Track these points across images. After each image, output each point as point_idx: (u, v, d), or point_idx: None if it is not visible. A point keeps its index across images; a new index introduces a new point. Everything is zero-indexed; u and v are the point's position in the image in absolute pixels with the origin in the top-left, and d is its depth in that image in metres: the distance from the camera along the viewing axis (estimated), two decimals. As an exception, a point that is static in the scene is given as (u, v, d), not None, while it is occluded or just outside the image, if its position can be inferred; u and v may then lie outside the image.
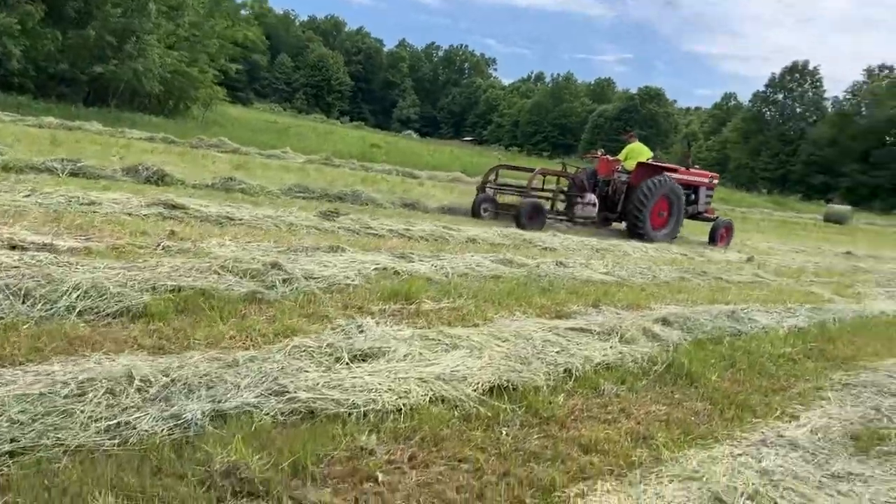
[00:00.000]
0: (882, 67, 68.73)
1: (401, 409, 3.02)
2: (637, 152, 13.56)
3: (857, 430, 3.68)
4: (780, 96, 73.63)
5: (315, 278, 5.00)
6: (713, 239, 14.04)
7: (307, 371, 3.20)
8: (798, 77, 72.64)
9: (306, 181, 12.08)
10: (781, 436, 3.42)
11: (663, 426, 3.40)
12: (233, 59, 35.29)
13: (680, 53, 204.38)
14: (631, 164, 13.35)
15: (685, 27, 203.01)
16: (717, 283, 8.83)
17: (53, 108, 20.74)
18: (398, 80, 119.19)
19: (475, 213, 12.20)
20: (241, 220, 7.34)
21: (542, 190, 13.00)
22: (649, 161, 13.42)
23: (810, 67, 72.12)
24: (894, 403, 4.26)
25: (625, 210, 12.96)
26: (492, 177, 12.92)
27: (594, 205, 12.50)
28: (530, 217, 11.42)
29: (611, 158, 13.79)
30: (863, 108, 66.55)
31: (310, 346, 3.50)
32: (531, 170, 13.50)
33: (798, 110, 72.73)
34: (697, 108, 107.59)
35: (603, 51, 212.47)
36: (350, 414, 2.91)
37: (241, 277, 4.65)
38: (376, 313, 4.56)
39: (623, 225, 13.37)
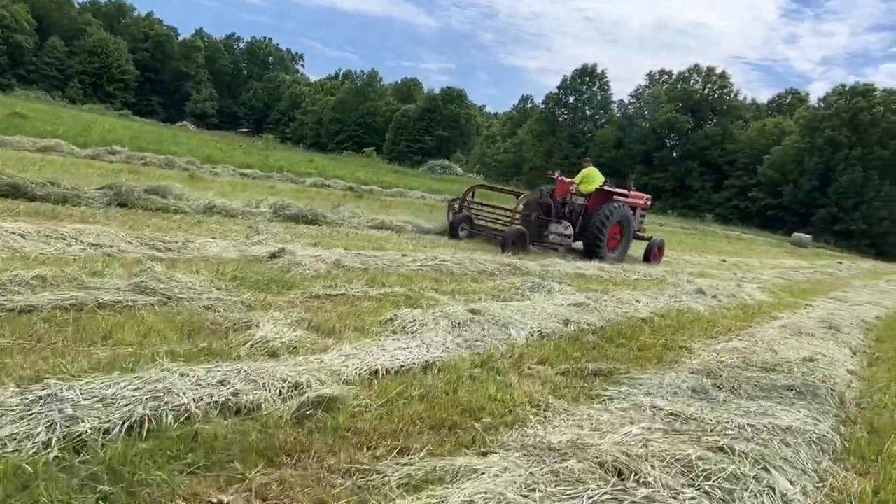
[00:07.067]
0: (662, 72, 70.49)
1: None
2: (592, 177, 13.83)
3: None
4: (572, 98, 73.43)
5: None
6: (648, 257, 14.82)
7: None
8: (588, 80, 72.80)
9: None
10: None
11: None
12: None
13: (500, 66, 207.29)
14: (586, 188, 13.72)
15: (505, 41, 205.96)
16: None
17: None
18: (192, 72, 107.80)
19: (453, 233, 12.67)
20: None
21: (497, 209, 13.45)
22: (602, 187, 13.85)
23: (598, 71, 72.58)
24: None
25: (583, 232, 13.34)
26: (468, 197, 13.46)
27: (569, 232, 12.88)
28: (514, 243, 11.67)
29: (566, 180, 13.80)
30: (645, 112, 67.57)
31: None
32: (509, 191, 15.33)
33: (588, 113, 72.86)
34: (506, 113, 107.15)
35: (428, 59, 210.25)
36: None
37: None
38: None
39: (578, 244, 13.54)
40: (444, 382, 3.97)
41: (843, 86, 60.56)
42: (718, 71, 68.69)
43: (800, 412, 4.50)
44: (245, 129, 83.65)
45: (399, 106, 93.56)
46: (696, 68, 69.41)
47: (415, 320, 5.28)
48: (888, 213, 55.42)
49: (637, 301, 8.34)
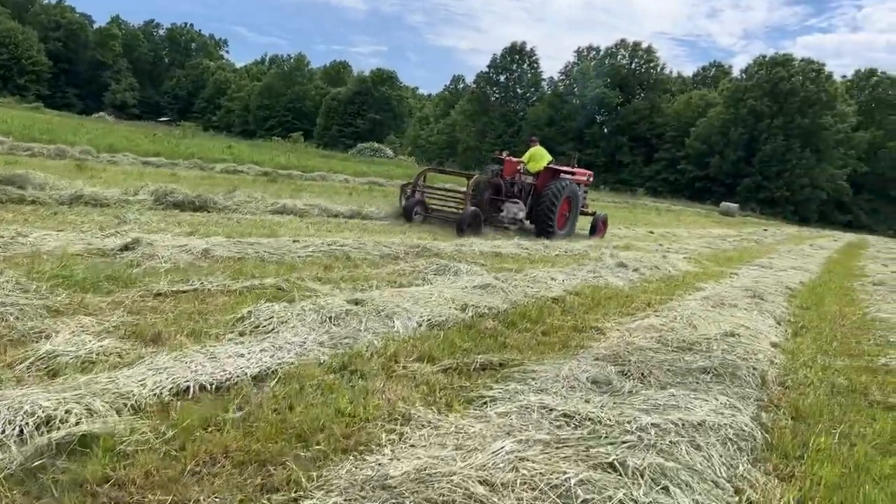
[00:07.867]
0: (590, 49, 70.67)
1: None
2: (539, 156, 13.98)
3: None
4: (503, 77, 72.94)
5: None
6: (593, 231, 15.04)
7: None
8: (518, 58, 72.40)
9: None
10: None
11: None
12: None
13: (430, 46, 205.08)
14: (534, 167, 13.87)
15: (435, 22, 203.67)
16: None
17: None
18: (110, 61, 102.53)
19: (407, 216, 12.50)
20: None
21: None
22: (550, 165, 13.98)
23: (528, 49, 72.23)
24: None
25: (533, 211, 13.44)
26: (420, 180, 13.27)
27: (521, 210, 13.04)
28: (470, 224, 11.79)
29: (514, 160, 13.94)
30: (575, 88, 67.70)
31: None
32: (459, 173, 15.82)
33: (519, 91, 72.54)
34: (438, 94, 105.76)
35: (358, 42, 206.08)
36: None
37: None
38: None
39: (528, 223, 13.61)
40: (280, 397, 3.15)
41: (764, 57, 62.01)
42: (644, 46, 69.44)
43: (717, 399, 3.89)
44: (165, 119, 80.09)
45: (329, 89, 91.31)
46: (622, 43, 69.96)
47: (273, 317, 4.43)
48: (809, 181, 57.19)
49: (552, 279, 7.69)
